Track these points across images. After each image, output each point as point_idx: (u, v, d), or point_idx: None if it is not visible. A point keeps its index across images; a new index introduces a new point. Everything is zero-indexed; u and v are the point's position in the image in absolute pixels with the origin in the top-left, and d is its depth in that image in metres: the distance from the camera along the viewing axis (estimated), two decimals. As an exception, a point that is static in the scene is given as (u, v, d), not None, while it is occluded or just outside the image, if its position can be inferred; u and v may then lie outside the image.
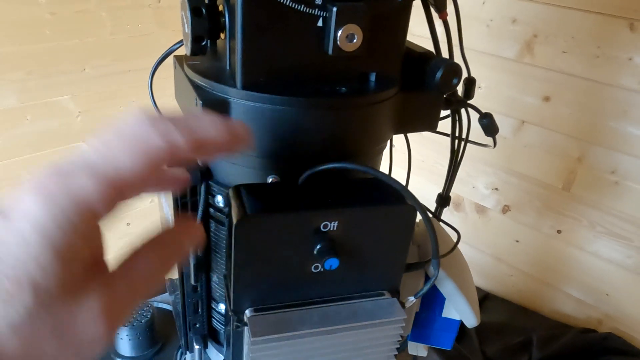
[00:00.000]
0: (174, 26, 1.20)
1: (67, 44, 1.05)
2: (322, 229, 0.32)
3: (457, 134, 0.48)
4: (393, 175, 0.50)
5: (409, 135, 0.54)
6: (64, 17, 1.03)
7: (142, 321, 0.61)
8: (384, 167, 0.46)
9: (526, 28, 0.96)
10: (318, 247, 0.33)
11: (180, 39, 0.42)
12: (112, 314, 0.21)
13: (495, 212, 1.11)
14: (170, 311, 0.69)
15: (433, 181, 1.17)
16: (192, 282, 0.41)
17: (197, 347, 0.45)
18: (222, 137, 0.23)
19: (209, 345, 0.47)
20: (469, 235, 1.16)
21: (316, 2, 0.31)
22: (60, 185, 0.20)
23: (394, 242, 0.35)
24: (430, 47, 0.42)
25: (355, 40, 0.32)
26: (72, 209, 0.20)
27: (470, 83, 0.47)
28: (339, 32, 0.32)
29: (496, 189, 1.09)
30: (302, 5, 0.31)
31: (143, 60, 1.17)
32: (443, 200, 0.54)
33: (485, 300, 1.11)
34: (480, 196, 1.12)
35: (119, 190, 0.21)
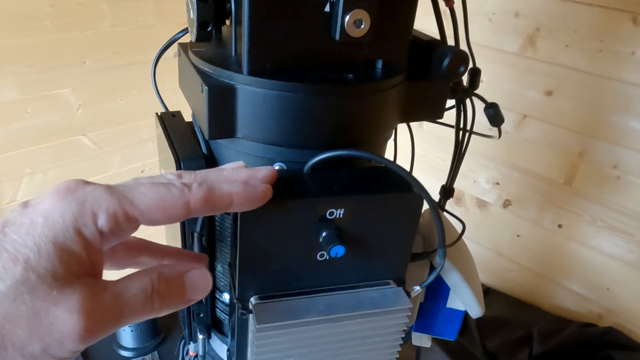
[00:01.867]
0: (175, 19, 1.20)
1: (67, 36, 1.05)
2: (328, 217, 0.32)
3: (461, 125, 0.48)
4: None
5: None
6: (65, 10, 1.02)
7: (144, 313, 0.61)
8: (388, 158, 0.46)
9: (529, 22, 0.95)
10: (324, 234, 0.32)
11: (182, 29, 0.42)
12: (91, 317, 0.21)
13: (496, 207, 1.11)
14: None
15: (434, 175, 1.17)
16: (196, 271, 0.41)
17: (200, 337, 0.45)
18: (238, 197, 0.27)
19: (213, 335, 0.47)
20: (470, 229, 1.15)
21: (323, -13, 0.31)
22: (79, 192, 0.23)
23: (400, 230, 0.35)
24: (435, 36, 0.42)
25: (362, 26, 0.32)
26: (80, 212, 0.22)
27: (475, 73, 0.46)
28: (347, 17, 0.31)
29: (497, 183, 1.09)
30: (310, -10, 0.30)
31: (144, 53, 1.17)
32: (447, 192, 0.54)
33: (486, 294, 1.11)
34: (481, 191, 1.12)
35: (126, 216, 0.23)
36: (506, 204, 1.09)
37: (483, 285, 1.14)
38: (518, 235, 1.09)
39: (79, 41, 1.07)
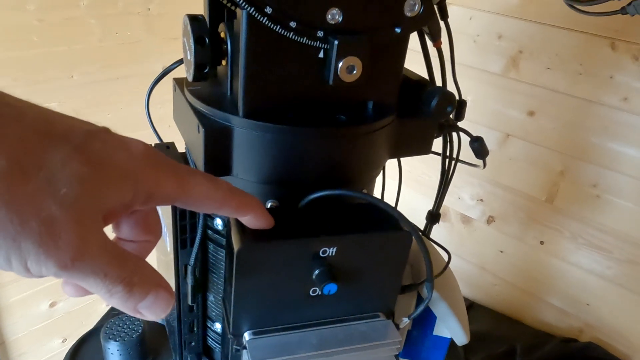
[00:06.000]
0: (164, 33, 1.20)
1: (55, 50, 1.04)
2: (321, 255, 0.33)
3: (447, 154, 0.49)
4: (385, 189, 0.51)
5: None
6: (52, 24, 1.02)
7: (133, 336, 0.61)
8: (377, 184, 0.47)
9: (512, 44, 0.98)
10: (317, 272, 0.33)
11: (174, 51, 0.43)
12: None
13: (480, 223, 1.13)
14: (161, 325, 0.69)
15: (420, 192, 1.19)
16: (190, 302, 0.41)
17: (192, 365, 0.45)
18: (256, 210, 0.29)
19: (204, 363, 0.47)
20: (454, 245, 1.18)
21: (318, 35, 0.32)
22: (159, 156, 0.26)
23: (390, 266, 0.36)
24: (422, 60, 0.43)
25: (355, 72, 0.33)
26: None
27: (461, 105, 0.48)
28: (340, 64, 0.32)
29: (481, 200, 1.11)
30: (305, 38, 0.32)
31: (132, 67, 1.17)
32: (433, 217, 0.55)
33: (469, 309, 1.13)
34: (465, 207, 1.14)
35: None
36: (490, 220, 1.11)
37: (467, 299, 1.16)
38: (501, 251, 1.11)
39: (67, 55, 1.06)
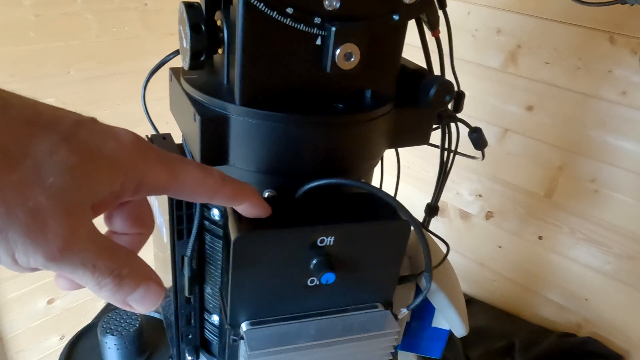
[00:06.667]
0: (161, 29, 1.20)
1: (51, 46, 1.04)
2: (319, 244, 0.33)
3: (446, 146, 0.49)
4: (383, 184, 0.51)
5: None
6: (49, 19, 1.01)
7: (131, 330, 0.60)
8: (375, 177, 0.47)
9: (510, 39, 0.98)
10: (314, 262, 0.33)
11: (171, 47, 0.42)
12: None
13: (478, 218, 1.13)
14: (158, 319, 0.69)
15: (418, 187, 1.19)
16: (187, 294, 0.41)
17: (189, 358, 0.45)
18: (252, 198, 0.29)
19: (201, 355, 0.47)
20: (453, 240, 1.17)
21: (315, 22, 0.32)
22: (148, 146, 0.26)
23: (388, 256, 0.36)
24: (421, 55, 0.43)
25: (352, 59, 0.33)
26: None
27: (459, 97, 0.48)
28: (337, 51, 0.32)
29: (480, 195, 1.11)
30: (302, 24, 0.31)
31: (129, 63, 1.16)
32: (432, 210, 0.55)
33: (468, 304, 1.13)
34: (464, 202, 1.14)
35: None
36: (488, 215, 1.11)
37: (466, 295, 1.16)
38: (500, 247, 1.11)
39: (64, 51, 1.06)
